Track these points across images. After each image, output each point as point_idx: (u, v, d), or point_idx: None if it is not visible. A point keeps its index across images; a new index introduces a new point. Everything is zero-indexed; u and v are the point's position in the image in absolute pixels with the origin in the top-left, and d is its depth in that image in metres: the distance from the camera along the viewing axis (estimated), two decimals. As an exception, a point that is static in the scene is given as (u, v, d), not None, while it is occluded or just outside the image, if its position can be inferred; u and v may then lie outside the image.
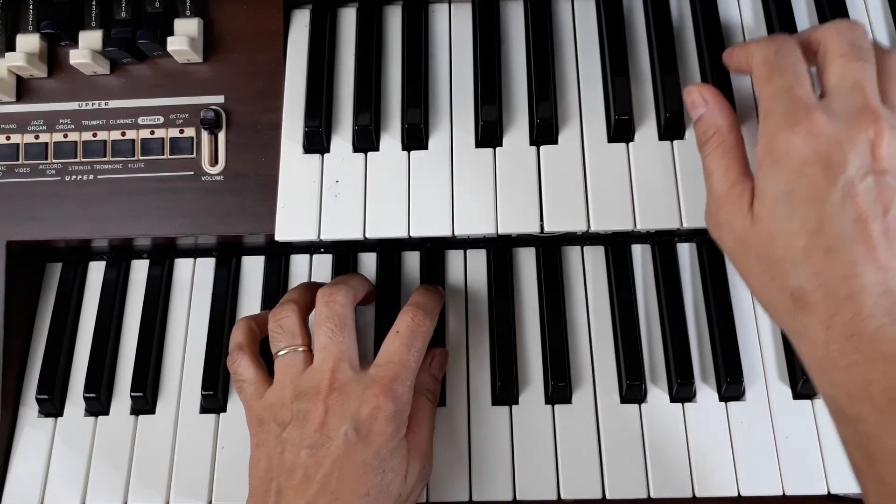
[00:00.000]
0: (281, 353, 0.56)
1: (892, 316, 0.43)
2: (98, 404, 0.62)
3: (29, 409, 0.63)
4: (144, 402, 0.62)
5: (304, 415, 0.52)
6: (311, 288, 0.60)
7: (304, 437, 0.52)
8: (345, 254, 0.66)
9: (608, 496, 0.58)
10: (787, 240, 0.47)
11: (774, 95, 0.49)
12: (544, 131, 0.61)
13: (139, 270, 0.67)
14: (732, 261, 0.52)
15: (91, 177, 0.63)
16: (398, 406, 0.53)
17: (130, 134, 0.64)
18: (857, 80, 0.48)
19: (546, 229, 0.59)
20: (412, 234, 0.59)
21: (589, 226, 0.58)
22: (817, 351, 0.46)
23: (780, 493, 0.57)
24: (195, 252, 0.67)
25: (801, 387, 0.59)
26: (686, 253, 0.65)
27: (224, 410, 0.62)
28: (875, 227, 0.45)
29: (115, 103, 0.64)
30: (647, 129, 0.61)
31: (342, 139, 0.62)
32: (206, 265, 0.67)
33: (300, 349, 0.56)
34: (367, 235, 0.59)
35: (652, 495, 0.57)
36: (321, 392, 0.53)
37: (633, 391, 0.59)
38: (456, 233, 0.59)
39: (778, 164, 0.48)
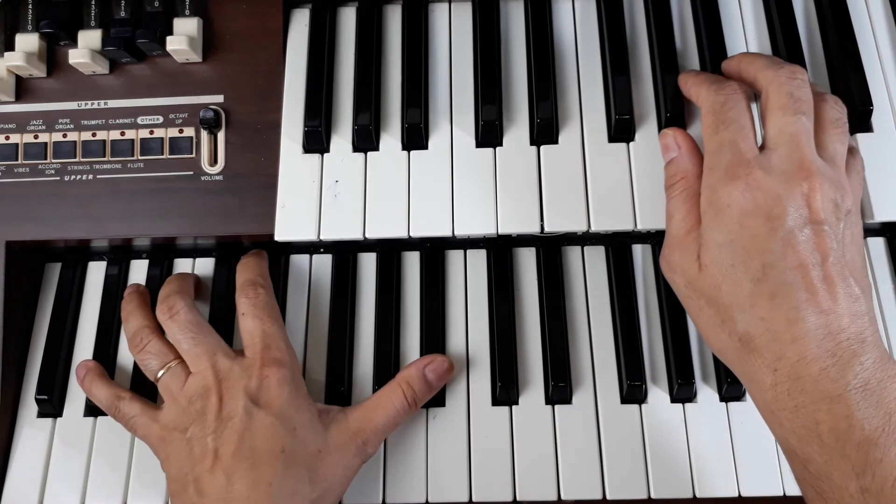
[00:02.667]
0: (159, 374, 0.58)
1: (835, 358, 0.46)
2: (98, 404, 0.62)
3: (28, 409, 0.63)
4: (144, 402, 0.62)
5: (202, 411, 0.55)
6: (146, 306, 0.62)
7: (207, 427, 0.54)
8: (344, 254, 0.66)
9: (608, 496, 0.58)
10: (733, 287, 0.49)
11: (719, 149, 0.52)
12: (544, 131, 0.61)
13: (139, 270, 0.67)
14: (683, 303, 0.55)
15: (90, 177, 0.63)
16: (283, 368, 0.56)
17: (130, 134, 0.64)
18: (793, 135, 0.50)
19: (546, 229, 0.59)
20: (412, 234, 0.59)
21: (589, 226, 0.58)
22: (766, 393, 0.48)
23: (781, 494, 0.57)
24: (195, 252, 0.67)
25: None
26: (686, 253, 0.64)
27: (224, 411, 0.62)
28: (815, 273, 0.47)
29: (114, 103, 0.64)
30: (647, 129, 0.61)
31: (342, 139, 0.62)
32: (206, 265, 0.66)
33: (175, 363, 0.58)
34: (367, 235, 0.59)
35: (652, 496, 0.57)
36: (210, 387, 0.55)
37: (633, 391, 0.59)
38: (456, 233, 0.59)
39: (720, 216, 0.50)
